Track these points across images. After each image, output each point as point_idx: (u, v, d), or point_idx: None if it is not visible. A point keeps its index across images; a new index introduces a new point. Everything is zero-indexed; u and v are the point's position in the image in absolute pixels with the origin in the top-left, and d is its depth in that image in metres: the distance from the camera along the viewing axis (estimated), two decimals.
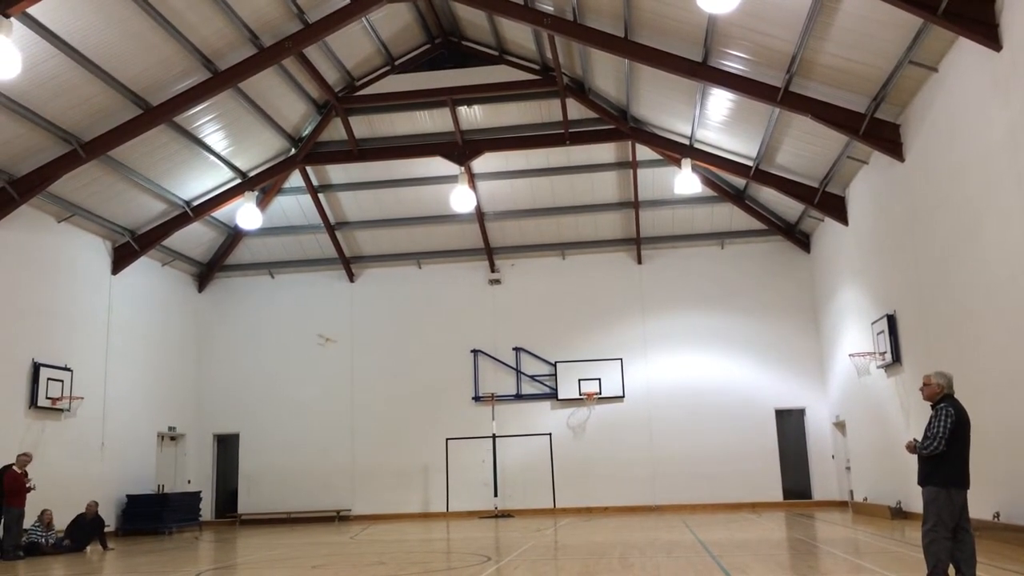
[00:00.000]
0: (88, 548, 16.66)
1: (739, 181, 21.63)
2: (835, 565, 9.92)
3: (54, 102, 16.02)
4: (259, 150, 21.37)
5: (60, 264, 19.01)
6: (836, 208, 19.00)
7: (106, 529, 17.24)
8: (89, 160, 17.32)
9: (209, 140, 19.81)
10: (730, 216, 23.03)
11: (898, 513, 16.14)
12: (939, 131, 13.25)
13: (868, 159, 16.71)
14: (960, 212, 12.63)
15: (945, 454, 7.15)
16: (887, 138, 15.00)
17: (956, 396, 7.48)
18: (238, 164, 21.25)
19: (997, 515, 11.55)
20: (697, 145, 20.17)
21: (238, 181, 21.63)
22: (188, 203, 21.28)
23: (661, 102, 19.40)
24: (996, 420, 11.29)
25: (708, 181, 21.88)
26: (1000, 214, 11.28)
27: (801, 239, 22.93)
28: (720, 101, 17.80)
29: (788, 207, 21.79)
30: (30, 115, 15.86)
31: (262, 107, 19.80)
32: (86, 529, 16.80)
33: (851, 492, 20.28)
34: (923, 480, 7.30)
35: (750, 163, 19.55)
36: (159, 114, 17.42)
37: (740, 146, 19.33)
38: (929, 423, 7.30)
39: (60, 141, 16.90)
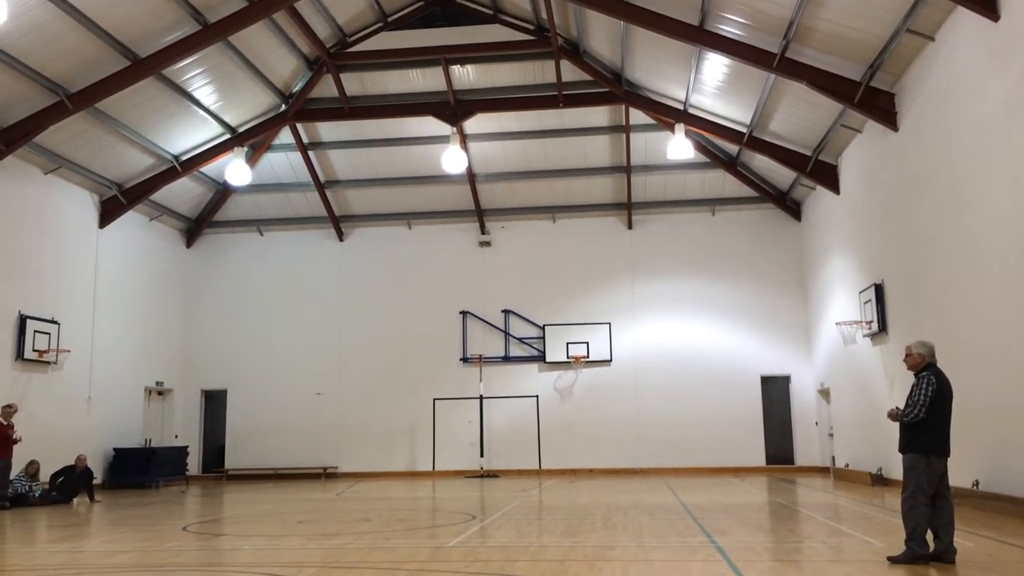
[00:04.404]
0: (75, 500, 16.74)
1: (732, 148, 21.55)
2: (815, 529, 10.06)
3: (40, 51, 15.76)
4: (249, 105, 21.11)
5: (47, 216, 18.85)
6: (828, 177, 18.98)
7: (93, 482, 17.30)
8: (76, 111, 17.11)
9: (198, 94, 19.55)
10: (722, 183, 22.98)
11: (879, 479, 16.36)
12: (934, 101, 13.20)
13: (862, 128, 16.66)
14: (951, 183, 12.63)
15: (926, 422, 7.23)
16: (881, 107, 14.95)
17: (940, 365, 7.54)
18: (227, 119, 21.00)
19: (976, 483, 11.71)
20: (691, 110, 20.05)
21: (227, 136, 21.40)
22: (176, 158, 21.06)
23: (656, 66, 19.24)
24: (978, 390, 11.39)
25: (701, 147, 21.80)
26: (991, 186, 11.29)
27: (792, 207, 22.93)
28: (715, 66, 17.66)
29: (780, 175, 21.75)
30: (15, 64, 15.61)
31: (252, 62, 19.52)
32: (75, 481, 16.86)
33: (833, 458, 20.52)
34: (904, 447, 7.38)
35: (744, 130, 19.47)
36: (147, 66, 17.17)
37: (734, 112, 19.23)
38: (911, 391, 7.36)
39: (47, 91, 16.66)
